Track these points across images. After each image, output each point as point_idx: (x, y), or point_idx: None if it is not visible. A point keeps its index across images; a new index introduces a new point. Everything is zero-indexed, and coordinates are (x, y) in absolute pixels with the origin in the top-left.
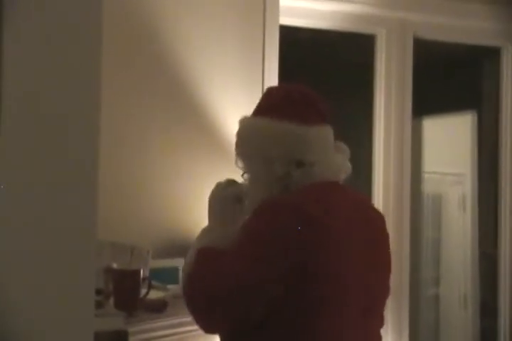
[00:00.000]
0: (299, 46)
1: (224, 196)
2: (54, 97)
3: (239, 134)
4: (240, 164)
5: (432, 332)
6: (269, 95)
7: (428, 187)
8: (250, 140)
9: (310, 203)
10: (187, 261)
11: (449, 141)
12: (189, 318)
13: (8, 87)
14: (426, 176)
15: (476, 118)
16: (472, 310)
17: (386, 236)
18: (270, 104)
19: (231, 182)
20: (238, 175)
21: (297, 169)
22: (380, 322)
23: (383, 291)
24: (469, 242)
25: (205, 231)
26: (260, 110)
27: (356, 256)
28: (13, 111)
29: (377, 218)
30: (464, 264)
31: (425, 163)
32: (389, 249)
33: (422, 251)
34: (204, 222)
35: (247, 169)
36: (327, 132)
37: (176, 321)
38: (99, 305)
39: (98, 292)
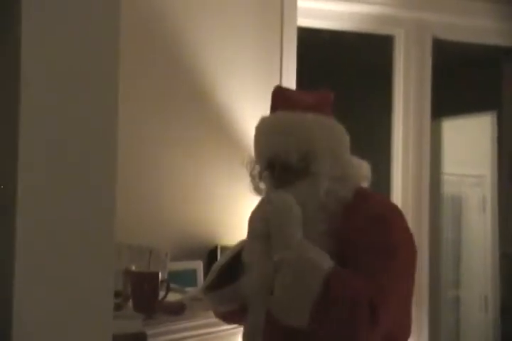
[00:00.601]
0: (317, 47)
1: (294, 216)
2: (73, 101)
3: (294, 130)
4: (291, 162)
5: (452, 334)
6: (291, 94)
7: (448, 188)
8: (320, 137)
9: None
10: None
11: (469, 143)
12: (207, 320)
13: (26, 94)
14: (446, 178)
15: (495, 119)
16: (493, 312)
17: None
18: (318, 102)
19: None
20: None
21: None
22: None
23: None
24: (489, 244)
25: (307, 255)
26: (299, 106)
27: None
28: (33, 118)
29: None
30: (484, 266)
31: (445, 164)
32: None
33: (442, 253)
34: (218, 222)
35: (314, 167)
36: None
37: (194, 323)
38: (117, 307)
39: (117, 294)
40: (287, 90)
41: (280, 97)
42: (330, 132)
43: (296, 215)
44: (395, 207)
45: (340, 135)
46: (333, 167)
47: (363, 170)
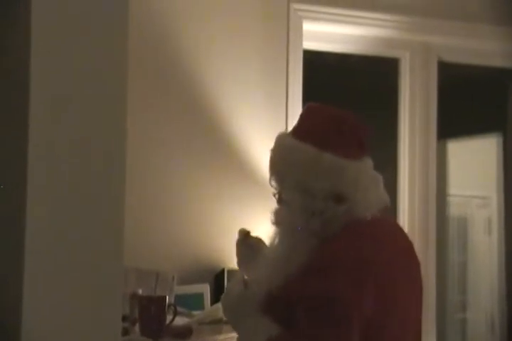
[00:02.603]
0: (322, 70)
1: (247, 298)
2: (79, 122)
3: (279, 155)
4: (274, 184)
5: None
6: (313, 117)
7: (453, 210)
8: (292, 166)
9: (368, 248)
10: None
11: (475, 164)
12: None
13: (35, 106)
14: (451, 199)
15: (501, 140)
16: (500, 334)
17: (419, 265)
18: (315, 130)
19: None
20: (262, 200)
21: (339, 204)
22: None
23: (420, 317)
24: (496, 265)
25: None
26: (303, 133)
27: (407, 298)
28: (42, 133)
29: (413, 249)
30: (490, 288)
31: (450, 185)
32: (421, 274)
33: (448, 275)
34: (225, 246)
35: (283, 193)
36: (368, 166)
37: None
38: (125, 331)
39: (124, 318)
40: (312, 114)
41: (301, 119)
42: (304, 163)
43: (242, 304)
44: (344, 257)
45: (335, 172)
46: (303, 199)
47: (362, 203)
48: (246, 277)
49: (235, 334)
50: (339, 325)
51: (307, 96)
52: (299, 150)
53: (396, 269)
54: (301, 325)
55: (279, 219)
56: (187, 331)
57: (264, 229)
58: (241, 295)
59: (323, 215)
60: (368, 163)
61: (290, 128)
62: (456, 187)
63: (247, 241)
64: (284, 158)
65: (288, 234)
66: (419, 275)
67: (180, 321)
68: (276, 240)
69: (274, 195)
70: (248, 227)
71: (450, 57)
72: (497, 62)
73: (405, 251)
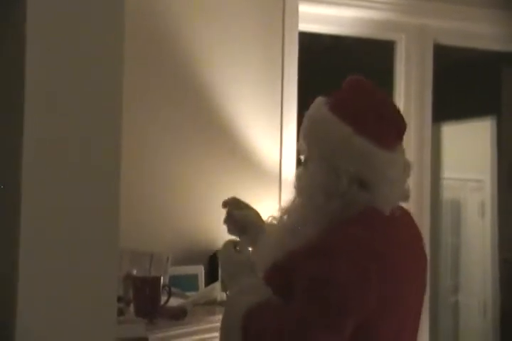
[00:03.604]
0: (318, 52)
1: (239, 260)
2: (77, 115)
3: (312, 124)
4: (302, 148)
5: (452, 339)
6: (356, 94)
7: (447, 193)
8: (323, 140)
9: (380, 240)
10: (232, 326)
11: (468, 147)
12: (209, 325)
13: (31, 104)
14: (445, 182)
15: (495, 124)
16: (492, 317)
17: (426, 259)
18: (355, 110)
19: (236, 243)
20: (258, 183)
21: (362, 191)
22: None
23: (422, 306)
24: (489, 249)
25: (238, 293)
26: (342, 109)
27: (411, 289)
28: (37, 128)
29: (422, 244)
30: (483, 271)
31: (444, 169)
32: (426, 268)
33: (442, 258)
34: (219, 227)
35: (309, 161)
36: (400, 157)
37: (195, 328)
38: (119, 312)
39: (118, 299)
40: (357, 91)
41: (342, 92)
42: (336, 142)
43: (234, 261)
44: (353, 245)
45: (361, 155)
46: (327, 177)
47: (382, 192)
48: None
49: None
50: (332, 314)
51: (303, 78)
52: (333, 126)
53: (402, 268)
54: (295, 303)
55: (300, 186)
56: (181, 312)
57: (260, 210)
58: (233, 257)
59: (344, 198)
60: (400, 153)
61: (330, 96)
62: (449, 171)
63: (231, 219)
64: (317, 130)
65: (303, 206)
66: (424, 274)
67: (174, 302)
68: (292, 207)
69: (301, 158)
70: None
71: (446, 40)
72: (492, 45)
73: (415, 250)
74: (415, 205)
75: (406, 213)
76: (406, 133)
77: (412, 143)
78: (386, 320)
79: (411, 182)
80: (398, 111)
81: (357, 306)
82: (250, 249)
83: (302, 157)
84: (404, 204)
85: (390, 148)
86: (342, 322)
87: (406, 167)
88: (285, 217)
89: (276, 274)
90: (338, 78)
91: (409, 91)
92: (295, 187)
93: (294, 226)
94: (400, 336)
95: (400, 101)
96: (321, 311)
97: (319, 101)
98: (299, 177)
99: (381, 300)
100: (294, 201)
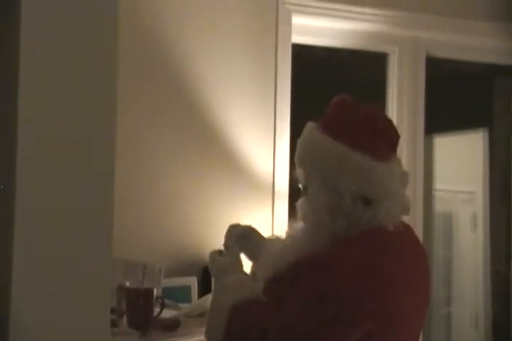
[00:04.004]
0: (311, 64)
1: (223, 262)
2: (72, 116)
3: (308, 148)
4: (300, 177)
5: None
6: (345, 113)
7: (439, 205)
8: (320, 163)
9: (381, 259)
10: (216, 322)
11: (460, 159)
12: (201, 337)
13: (24, 106)
14: (437, 194)
15: (487, 136)
16: (484, 329)
17: (428, 275)
18: (347, 128)
19: (221, 251)
20: (251, 193)
21: (366, 207)
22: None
23: (422, 324)
24: (481, 261)
25: (221, 290)
26: (335, 130)
27: (415, 302)
28: (32, 126)
29: (426, 260)
30: (475, 283)
31: (436, 180)
32: (429, 283)
33: (434, 270)
34: (215, 241)
35: (311, 191)
36: (397, 167)
37: (188, 340)
38: (112, 323)
39: (111, 311)
40: (345, 110)
41: (333, 111)
42: (333, 161)
43: (219, 264)
44: (356, 261)
45: (361, 172)
46: (330, 197)
47: (383, 212)
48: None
49: None
50: (330, 326)
51: (296, 90)
52: (329, 147)
53: (404, 284)
54: (290, 309)
55: (304, 212)
56: (174, 323)
57: (253, 221)
58: (218, 261)
59: (349, 217)
60: (396, 164)
61: (319, 120)
62: (441, 182)
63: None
64: (313, 153)
65: (309, 231)
66: (427, 289)
67: (167, 314)
68: (297, 232)
69: (300, 188)
70: (236, 220)
71: (438, 53)
72: (485, 57)
73: (418, 265)
74: (408, 217)
75: (408, 227)
76: (398, 144)
77: (405, 155)
78: (387, 335)
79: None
80: (390, 122)
81: (356, 318)
82: (240, 253)
83: (301, 185)
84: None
85: (385, 159)
86: (337, 333)
87: (404, 177)
88: (289, 238)
89: (276, 286)
90: (331, 90)
91: (402, 103)
92: (299, 216)
93: (297, 242)
94: None
95: (393, 112)
96: (319, 321)
97: (310, 126)
98: (301, 206)
99: (381, 314)
100: (299, 228)
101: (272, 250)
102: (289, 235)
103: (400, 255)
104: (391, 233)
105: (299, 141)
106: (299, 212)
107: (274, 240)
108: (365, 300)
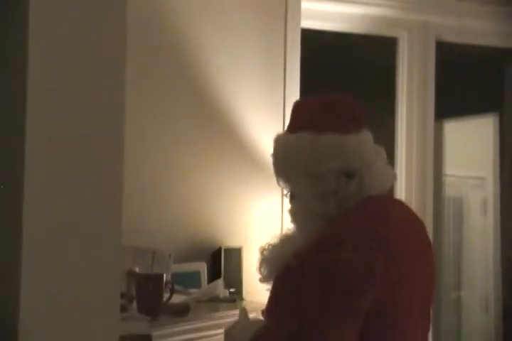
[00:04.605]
0: (320, 49)
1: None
2: (80, 103)
3: (279, 154)
4: (283, 184)
5: (454, 335)
6: (300, 109)
7: (449, 190)
8: (294, 158)
9: (381, 225)
10: None
11: (471, 144)
12: (211, 322)
13: (33, 93)
14: (447, 179)
15: (498, 120)
16: (494, 314)
17: (430, 245)
18: (305, 118)
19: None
20: (260, 178)
21: (349, 181)
22: (428, 329)
23: (432, 299)
24: (491, 246)
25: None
26: (296, 126)
27: (416, 274)
28: (40, 117)
29: (425, 231)
30: (485, 268)
31: (446, 166)
32: (433, 256)
33: (444, 255)
34: (221, 224)
35: (294, 189)
36: (368, 138)
37: (198, 325)
38: (122, 309)
39: (121, 296)
40: (298, 107)
41: (292, 115)
42: (304, 151)
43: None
44: (355, 233)
45: (317, 150)
46: (314, 185)
47: (365, 182)
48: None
49: (232, 312)
50: (347, 294)
51: (305, 75)
52: (295, 141)
53: (406, 250)
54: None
55: (294, 215)
56: (184, 308)
57: (262, 207)
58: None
59: (338, 194)
60: (366, 135)
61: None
62: (451, 168)
63: None
64: (284, 153)
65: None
66: (429, 254)
67: (177, 299)
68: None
69: (286, 195)
70: (246, 206)
71: (448, 37)
72: (495, 42)
73: (417, 232)
74: (418, 202)
75: (401, 202)
76: (409, 129)
77: (415, 141)
78: (395, 302)
79: (414, 180)
80: (348, 99)
81: (366, 284)
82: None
83: (287, 193)
84: (406, 200)
85: (353, 132)
86: (354, 305)
87: (378, 150)
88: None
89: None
90: (340, 74)
91: (412, 88)
92: (291, 220)
93: (294, 234)
94: (408, 323)
95: (403, 98)
96: (337, 295)
97: (276, 135)
98: (291, 210)
99: (388, 280)
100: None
101: (274, 248)
102: (284, 236)
103: (390, 218)
104: (379, 200)
105: (271, 154)
106: (290, 217)
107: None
108: (372, 266)
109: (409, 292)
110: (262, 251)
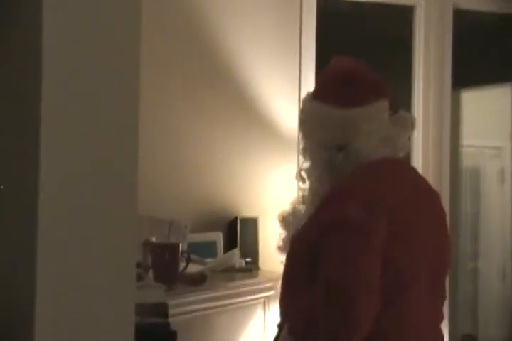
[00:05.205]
0: (336, 18)
1: None
2: (94, 79)
3: (298, 115)
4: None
5: (471, 305)
6: (324, 74)
7: (466, 160)
8: (302, 122)
9: (368, 189)
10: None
11: (488, 114)
12: (227, 291)
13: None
14: (464, 150)
15: None
16: (511, 283)
17: (444, 214)
18: (321, 86)
19: None
20: (275, 148)
21: (338, 152)
22: (444, 297)
23: (445, 267)
24: (508, 215)
25: None
26: (314, 91)
27: (422, 238)
28: (55, 95)
29: (436, 197)
30: (502, 238)
31: (463, 136)
32: (447, 226)
33: (461, 225)
34: (237, 194)
35: (302, 150)
36: (377, 109)
37: (214, 294)
38: (139, 277)
39: (137, 265)
40: (322, 72)
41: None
42: (308, 120)
43: None
44: (355, 190)
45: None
46: (313, 151)
47: (364, 148)
48: None
49: (248, 281)
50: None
51: (320, 44)
52: (307, 107)
53: (409, 206)
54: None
55: (308, 176)
56: (201, 278)
57: (278, 176)
58: None
59: (329, 164)
60: (375, 107)
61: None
62: (469, 138)
63: None
64: (299, 117)
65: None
66: (439, 213)
67: (193, 269)
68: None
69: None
70: (261, 175)
71: (466, 4)
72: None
73: (422, 191)
74: (434, 173)
75: (409, 165)
76: (426, 98)
77: (432, 110)
78: (404, 256)
79: (430, 150)
80: (363, 71)
81: (371, 230)
82: None
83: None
84: (423, 171)
85: (358, 105)
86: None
87: (397, 119)
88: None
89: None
90: (357, 43)
91: (429, 57)
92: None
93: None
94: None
95: (419, 67)
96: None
97: (304, 96)
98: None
99: (390, 236)
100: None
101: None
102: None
103: (385, 178)
104: (380, 164)
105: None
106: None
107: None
108: (374, 214)
109: (413, 252)
110: (283, 217)
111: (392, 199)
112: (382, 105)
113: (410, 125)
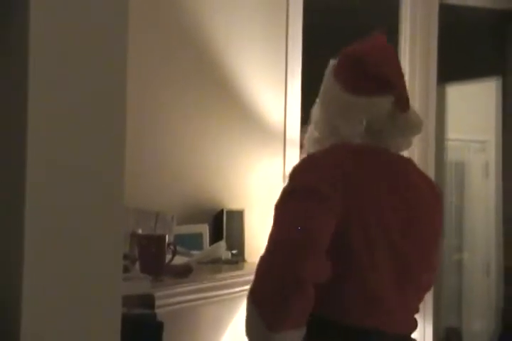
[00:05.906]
0: (322, 10)
1: None
2: (82, 64)
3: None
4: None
5: (455, 298)
6: (346, 52)
7: (451, 154)
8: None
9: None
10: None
11: (473, 108)
12: (213, 283)
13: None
14: (449, 143)
15: (500, 84)
16: (495, 277)
17: (435, 209)
18: (340, 59)
19: None
20: (261, 141)
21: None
22: (418, 293)
23: (422, 262)
24: (493, 209)
25: None
26: (337, 62)
27: (386, 218)
28: (42, 83)
29: (436, 197)
30: (487, 231)
31: (448, 130)
32: (436, 223)
33: (446, 218)
34: (224, 186)
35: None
36: (379, 102)
37: (200, 286)
38: (125, 269)
39: (124, 257)
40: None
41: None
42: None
43: None
44: (320, 161)
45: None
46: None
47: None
48: None
49: (233, 273)
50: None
51: (307, 39)
52: (326, 79)
53: (368, 184)
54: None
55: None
56: (186, 270)
57: (263, 170)
58: None
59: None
60: (376, 99)
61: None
62: (454, 132)
63: None
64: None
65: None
66: (421, 217)
67: (179, 260)
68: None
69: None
70: (247, 167)
71: None
72: (498, 4)
73: (393, 173)
74: (420, 166)
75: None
76: (411, 93)
77: (417, 104)
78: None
79: (416, 144)
80: (375, 60)
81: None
82: None
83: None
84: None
85: (363, 94)
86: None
87: (395, 115)
88: None
89: None
90: (342, 36)
91: (414, 51)
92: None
93: None
94: (372, 265)
95: (405, 61)
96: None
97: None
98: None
99: (347, 207)
100: None
101: None
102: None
103: (368, 158)
104: (354, 145)
105: None
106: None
107: None
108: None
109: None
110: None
111: (356, 174)
112: (381, 101)
113: (410, 128)
